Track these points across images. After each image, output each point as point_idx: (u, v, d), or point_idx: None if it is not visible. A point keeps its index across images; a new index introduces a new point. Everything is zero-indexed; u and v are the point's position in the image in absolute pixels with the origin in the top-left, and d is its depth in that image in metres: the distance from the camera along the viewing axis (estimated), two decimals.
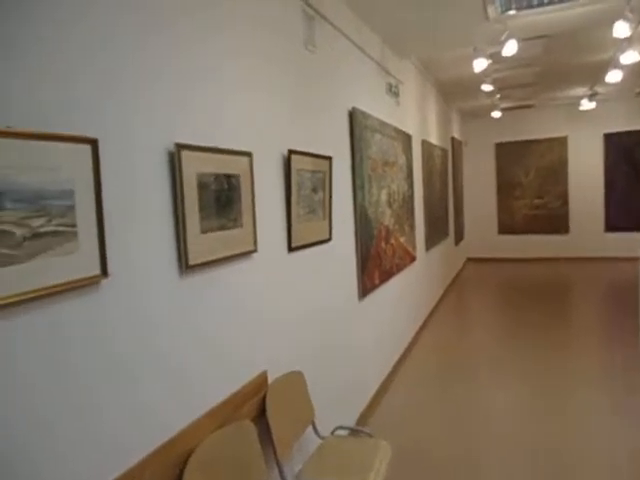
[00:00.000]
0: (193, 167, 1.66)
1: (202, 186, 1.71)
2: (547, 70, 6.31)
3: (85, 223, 1.25)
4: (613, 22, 3.65)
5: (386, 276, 4.07)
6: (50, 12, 1.19)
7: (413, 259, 5.08)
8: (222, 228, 1.83)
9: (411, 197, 5.03)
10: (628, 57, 4.61)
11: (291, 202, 2.40)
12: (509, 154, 9.96)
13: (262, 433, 1.97)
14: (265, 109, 2.24)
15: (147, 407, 1.49)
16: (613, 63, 5.47)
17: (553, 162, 9.67)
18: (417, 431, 3.27)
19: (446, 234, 7.42)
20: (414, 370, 4.40)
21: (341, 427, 2.63)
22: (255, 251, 2.07)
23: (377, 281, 3.82)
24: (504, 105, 8.41)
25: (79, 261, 1.23)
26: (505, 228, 10.13)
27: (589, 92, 7.76)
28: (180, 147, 1.60)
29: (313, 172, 2.65)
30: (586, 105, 8.15)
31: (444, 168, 7.36)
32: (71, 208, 1.21)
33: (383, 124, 4.05)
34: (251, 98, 2.12)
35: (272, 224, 2.28)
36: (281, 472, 2.03)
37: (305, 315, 2.61)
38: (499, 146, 10.04)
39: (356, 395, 3.37)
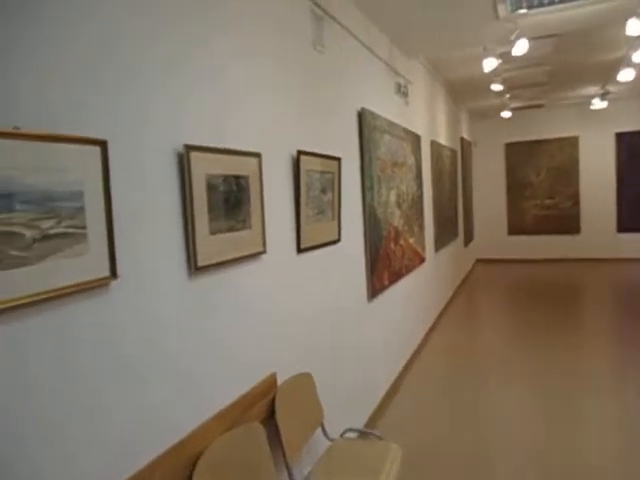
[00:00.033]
0: (202, 168, 1.66)
1: (211, 187, 1.71)
2: (558, 69, 6.25)
3: (94, 225, 1.25)
4: (626, 20, 3.61)
5: (395, 277, 4.04)
6: (56, 12, 1.18)
7: (422, 260, 5.05)
8: (231, 229, 1.83)
9: (420, 198, 5.00)
10: None
11: (300, 203, 2.39)
12: (519, 154, 9.88)
13: (271, 435, 1.96)
14: (274, 110, 2.24)
15: (156, 409, 1.48)
16: (625, 61, 5.41)
17: (564, 162, 9.58)
18: (427, 433, 3.24)
19: (455, 235, 7.37)
20: (423, 372, 4.37)
21: (351, 429, 2.61)
22: (264, 252, 2.06)
23: (386, 282, 3.79)
24: (514, 105, 8.35)
25: (89, 263, 1.23)
26: (515, 229, 10.05)
27: (601, 91, 7.67)
28: (189, 148, 1.60)
29: (322, 173, 2.64)
30: (597, 104, 8.06)
31: (453, 169, 7.32)
32: (81, 210, 1.21)
33: (392, 124, 4.03)
34: (260, 99, 2.11)
35: (281, 225, 2.27)
36: (290, 474, 2.01)
37: (314, 316, 2.59)
38: (509, 146, 9.96)
39: (365, 397, 3.35)
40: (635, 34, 3.72)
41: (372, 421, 3.35)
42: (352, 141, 3.25)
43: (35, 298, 1.09)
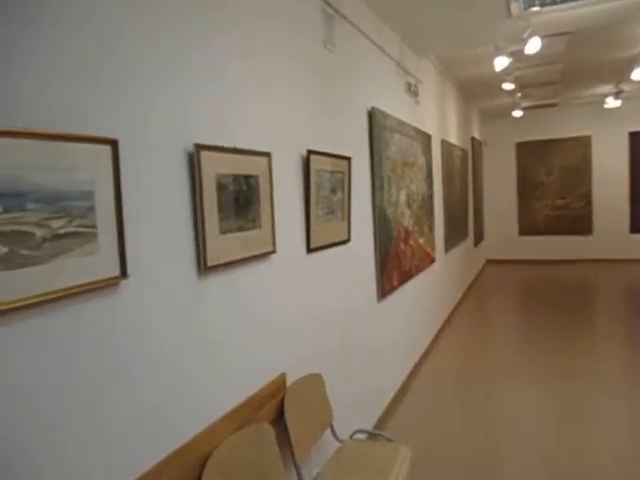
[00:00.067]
0: (212, 168, 1.65)
1: (221, 187, 1.70)
2: (570, 68, 6.18)
3: (105, 224, 1.25)
4: None
5: (405, 277, 4.02)
6: (57, 12, 1.16)
7: (432, 260, 5.02)
8: (241, 229, 1.82)
9: (430, 198, 4.97)
10: None
11: (310, 203, 2.38)
12: (530, 154, 9.79)
13: (280, 436, 1.95)
14: (284, 109, 2.23)
15: (162, 409, 1.48)
16: None
17: (576, 162, 9.48)
18: (436, 434, 3.22)
19: (465, 235, 7.32)
20: (433, 373, 4.34)
21: (360, 431, 2.59)
22: (274, 252, 2.05)
23: (396, 282, 3.77)
24: (525, 104, 8.26)
25: (99, 262, 1.23)
26: (526, 229, 9.96)
27: (614, 90, 7.57)
28: (199, 147, 1.59)
29: (332, 172, 2.63)
30: (611, 103, 7.95)
31: (464, 168, 7.27)
32: (91, 209, 1.21)
33: (402, 124, 4.00)
34: (270, 98, 2.11)
35: (291, 225, 2.26)
36: (299, 475, 2.00)
37: (324, 317, 2.58)
38: (520, 146, 9.87)
39: (374, 397, 3.33)
40: None
41: (381, 422, 3.33)
42: (362, 140, 3.24)
43: (45, 297, 1.09)
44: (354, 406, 2.91)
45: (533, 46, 3.81)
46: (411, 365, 4.22)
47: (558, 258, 9.58)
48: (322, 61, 2.65)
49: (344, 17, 2.92)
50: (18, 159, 1.05)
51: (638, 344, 4.85)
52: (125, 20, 1.36)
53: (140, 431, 1.38)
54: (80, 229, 1.18)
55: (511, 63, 4.78)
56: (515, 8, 3.54)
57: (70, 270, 1.15)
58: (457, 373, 4.38)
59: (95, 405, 1.24)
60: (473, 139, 8.35)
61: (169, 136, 1.51)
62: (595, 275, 8.42)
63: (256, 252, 1.92)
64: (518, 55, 4.71)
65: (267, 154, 1.99)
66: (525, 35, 3.77)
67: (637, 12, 3.61)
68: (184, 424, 1.55)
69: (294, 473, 2.02)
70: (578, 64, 6.03)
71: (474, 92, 7.32)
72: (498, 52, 4.52)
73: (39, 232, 1.09)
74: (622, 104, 8.11)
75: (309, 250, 2.41)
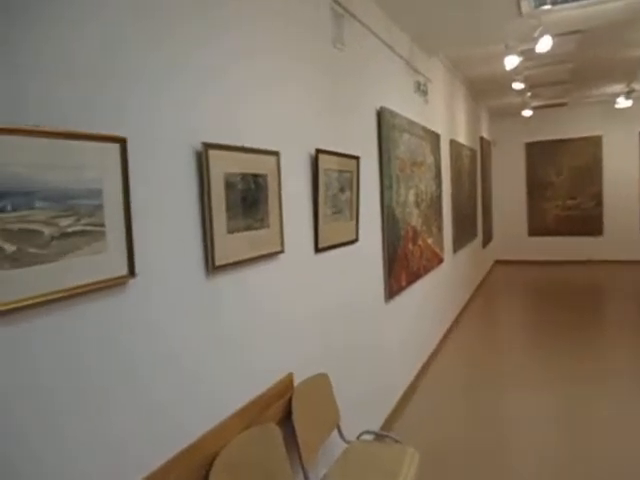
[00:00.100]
0: (220, 167, 1.64)
1: (229, 186, 1.69)
2: (581, 67, 6.12)
3: (113, 223, 1.24)
4: None
5: (413, 278, 4.00)
6: (59, 12, 1.15)
7: (440, 261, 4.99)
8: (249, 228, 1.81)
9: (439, 198, 4.94)
10: None
11: (318, 202, 2.37)
12: (540, 154, 9.71)
13: (287, 436, 1.94)
14: (293, 108, 2.22)
15: (172, 408, 1.47)
16: None
17: (587, 162, 9.38)
18: (444, 435, 3.19)
19: (474, 235, 7.27)
20: (441, 374, 4.31)
21: (367, 432, 2.58)
22: (282, 252, 2.04)
23: (404, 283, 3.75)
24: (535, 103, 8.19)
25: (107, 261, 1.23)
26: (535, 229, 9.88)
27: (626, 89, 7.48)
28: (207, 146, 1.58)
29: (340, 172, 2.61)
30: (622, 103, 7.86)
31: (473, 168, 7.22)
32: (99, 207, 1.21)
33: (411, 123, 3.98)
34: (279, 96, 2.10)
35: (299, 224, 2.25)
36: (306, 476, 1.99)
37: (331, 317, 2.57)
38: (529, 146, 9.79)
39: (382, 398, 3.32)
40: None
41: (389, 423, 3.31)
42: (371, 140, 3.22)
43: (53, 296, 1.09)
44: (361, 406, 2.89)
45: (544, 45, 3.78)
46: (419, 366, 4.20)
47: (568, 259, 9.49)
48: (331, 60, 2.64)
49: (353, 16, 2.90)
50: (27, 157, 1.05)
51: None
52: (130, 20, 1.35)
53: (148, 430, 1.37)
54: (88, 227, 1.18)
55: (521, 62, 4.74)
56: (526, 6, 3.51)
57: (78, 269, 1.15)
58: (465, 374, 4.34)
59: (102, 405, 1.24)
60: (482, 139, 8.30)
61: (177, 135, 1.51)
62: (606, 276, 8.33)
63: (264, 252, 1.92)
64: (528, 54, 4.66)
65: (275, 153, 1.98)
66: (536, 34, 3.74)
67: None
68: (192, 423, 1.54)
69: (301, 474, 2.01)
70: (589, 63, 5.96)
71: (483, 91, 7.27)
72: (508, 51, 4.48)
73: (47, 230, 1.09)
74: (633, 104, 8.02)
75: (317, 250, 2.40)
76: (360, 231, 2.92)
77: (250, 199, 1.82)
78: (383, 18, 3.42)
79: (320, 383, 2.33)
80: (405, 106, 3.91)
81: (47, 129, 1.08)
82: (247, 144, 1.81)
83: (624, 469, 2.73)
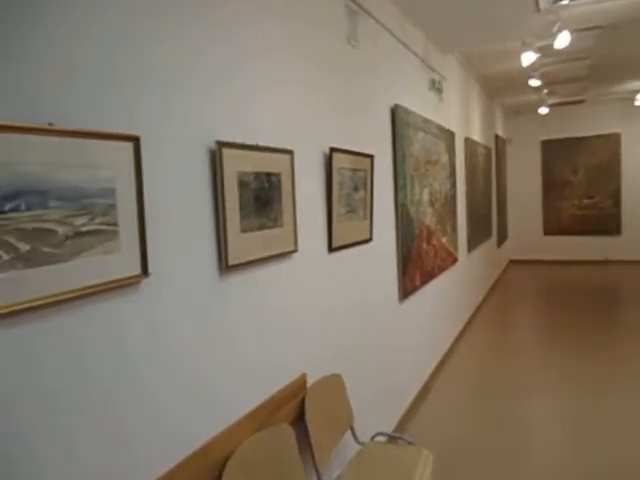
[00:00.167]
0: (234, 165, 1.63)
1: (242, 185, 1.68)
2: (600, 63, 6.00)
3: (126, 222, 1.24)
4: None
5: (427, 277, 3.95)
6: (63, 13, 1.15)
7: (455, 260, 4.93)
8: (262, 227, 1.80)
9: (453, 197, 4.88)
10: None
11: (332, 201, 2.34)
12: (556, 152, 9.56)
13: (300, 437, 1.93)
14: (307, 106, 2.20)
15: (180, 411, 1.46)
16: None
17: (605, 160, 9.22)
18: (458, 437, 3.15)
19: (488, 235, 7.19)
20: (455, 374, 4.26)
21: (381, 433, 2.55)
22: (295, 251, 2.02)
23: (418, 282, 3.71)
24: (552, 101, 8.07)
25: (120, 260, 1.22)
26: (551, 229, 9.73)
27: None
28: (221, 145, 1.57)
29: (354, 171, 2.59)
30: None
31: (487, 167, 7.13)
32: (113, 207, 1.20)
33: (426, 121, 3.93)
34: (293, 95, 2.08)
35: (313, 224, 2.23)
36: (319, 478, 1.97)
37: (345, 317, 2.55)
38: (545, 144, 9.65)
39: (396, 399, 3.29)
40: None
41: (402, 424, 3.28)
42: (385, 138, 3.19)
43: (67, 296, 1.08)
44: (374, 407, 2.87)
45: (562, 41, 3.71)
46: (432, 366, 4.15)
47: (585, 259, 9.33)
48: (345, 57, 2.61)
49: (368, 13, 2.87)
50: (41, 156, 1.04)
51: None
52: (142, 18, 1.33)
53: (155, 433, 1.36)
54: (102, 227, 1.17)
55: (538, 59, 4.66)
56: (544, 2, 3.44)
57: (91, 268, 1.14)
58: (479, 375, 4.29)
59: (108, 407, 1.22)
60: (497, 136, 8.20)
61: (190, 133, 1.50)
62: (623, 277, 8.17)
63: (277, 251, 1.90)
64: (546, 50, 4.59)
65: (289, 152, 1.96)
66: (554, 29, 3.67)
67: None
68: (201, 426, 1.52)
69: (314, 476, 1.99)
70: (608, 59, 5.85)
71: (498, 88, 7.17)
72: (525, 47, 4.41)
73: (61, 230, 1.08)
74: None
75: (331, 249, 2.38)
76: (374, 230, 2.89)
77: (264, 198, 1.80)
78: (397, 15, 3.38)
79: (333, 383, 2.31)
80: (419, 104, 3.86)
81: (61, 128, 1.07)
82: (261, 143, 1.80)
83: None
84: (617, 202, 9.18)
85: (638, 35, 4.93)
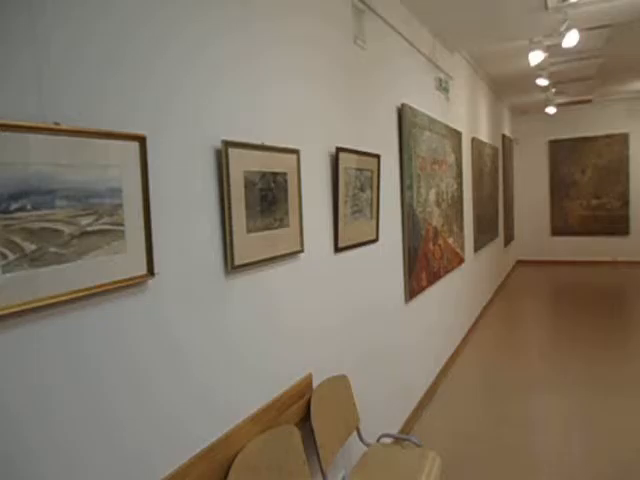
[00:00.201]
0: (240, 165, 1.62)
1: (249, 184, 1.67)
2: (608, 62, 5.95)
3: (132, 222, 1.23)
4: None
5: (433, 278, 3.93)
6: (66, 11, 1.15)
7: (461, 261, 4.91)
8: (268, 228, 1.79)
9: (460, 197, 4.86)
10: None
11: (338, 201, 2.33)
12: (564, 152, 9.50)
13: (306, 438, 1.92)
14: (313, 105, 2.19)
15: (184, 413, 1.46)
16: None
17: (612, 160, 9.15)
18: (464, 438, 3.13)
19: (495, 235, 7.15)
20: (461, 376, 4.24)
21: (387, 435, 2.54)
22: (301, 251, 2.01)
23: (424, 283, 3.69)
24: (559, 100, 8.02)
25: (126, 260, 1.22)
26: (559, 229, 9.67)
27: None
28: (227, 144, 1.56)
29: (361, 170, 2.58)
30: None
31: (494, 167, 7.09)
32: (119, 206, 1.20)
33: (432, 121, 3.91)
34: (299, 94, 2.07)
35: (319, 224, 2.22)
36: (325, 479, 1.96)
37: (351, 318, 2.54)
38: (553, 144, 9.59)
39: (402, 400, 3.27)
40: None
41: (408, 425, 3.26)
42: (391, 138, 3.17)
43: (72, 296, 1.08)
44: (380, 408, 2.86)
45: (571, 40, 3.68)
46: (439, 367, 4.13)
47: (592, 259, 9.27)
48: (352, 57, 2.60)
49: (374, 12, 2.86)
50: (47, 155, 1.04)
51: None
52: (144, 15, 1.33)
53: (160, 434, 1.35)
54: (108, 227, 1.17)
55: (546, 58, 4.63)
56: (552, 0, 3.41)
57: (97, 268, 1.14)
58: (486, 377, 4.27)
59: (112, 407, 1.21)
60: (504, 136, 8.15)
61: (196, 132, 1.49)
62: (632, 278, 8.10)
63: (284, 251, 1.89)
64: (554, 49, 4.55)
65: (296, 151, 1.95)
66: (562, 28, 3.64)
67: None
68: (207, 427, 1.52)
69: (320, 477, 1.98)
70: (616, 58, 5.80)
71: (505, 88, 7.13)
72: (533, 46, 4.38)
73: (67, 229, 1.08)
74: None
75: (337, 249, 2.37)
76: (380, 231, 2.88)
77: (270, 198, 1.80)
78: (404, 13, 3.37)
79: (339, 385, 2.30)
80: (426, 103, 3.84)
81: (67, 127, 1.07)
82: (267, 142, 1.79)
83: None
84: (625, 203, 9.11)
85: None
